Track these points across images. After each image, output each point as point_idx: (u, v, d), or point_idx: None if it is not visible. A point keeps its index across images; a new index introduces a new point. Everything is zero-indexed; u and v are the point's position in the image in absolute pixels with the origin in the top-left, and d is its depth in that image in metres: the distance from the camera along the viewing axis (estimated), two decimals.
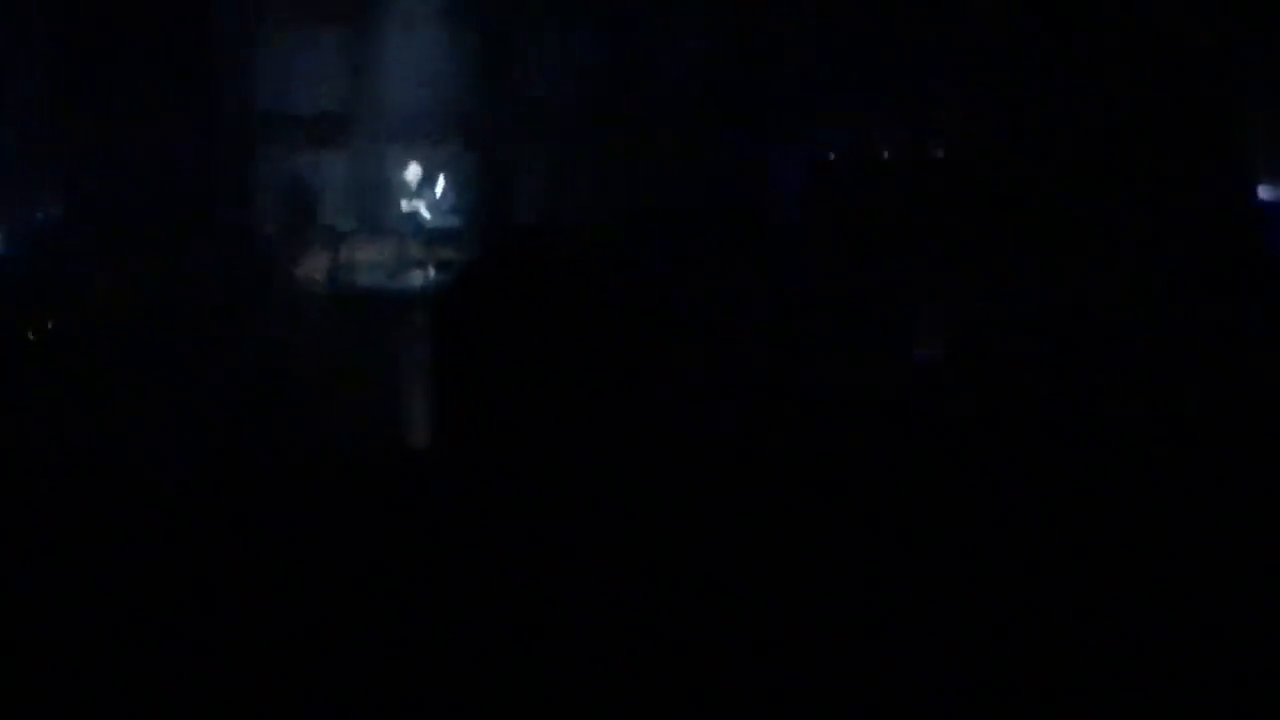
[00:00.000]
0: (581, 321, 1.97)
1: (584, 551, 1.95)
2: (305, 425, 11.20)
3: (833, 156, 18.66)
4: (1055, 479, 8.33)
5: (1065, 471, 8.62)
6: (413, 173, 17.67)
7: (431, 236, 17.52)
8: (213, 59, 18.92)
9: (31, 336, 14.24)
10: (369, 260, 17.68)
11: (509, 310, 1.97)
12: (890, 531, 5.83)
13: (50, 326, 14.59)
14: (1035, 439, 9.70)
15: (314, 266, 17.73)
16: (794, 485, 7.66)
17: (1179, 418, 10.16)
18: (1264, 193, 15.81)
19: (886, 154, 18.54)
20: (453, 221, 17.80)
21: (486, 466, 1.99)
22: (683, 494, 2.01)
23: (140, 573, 4.50)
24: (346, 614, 2.20)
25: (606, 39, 19.78)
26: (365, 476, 8.48)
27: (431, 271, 17.44)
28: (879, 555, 5.40)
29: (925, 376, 11.85)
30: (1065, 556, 5.49)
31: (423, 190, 17.56)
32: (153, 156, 18.17)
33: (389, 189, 17.68)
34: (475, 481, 2.00)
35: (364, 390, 12.94)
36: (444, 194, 17.69)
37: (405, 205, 17.44)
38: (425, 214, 17.48)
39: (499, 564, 1.95)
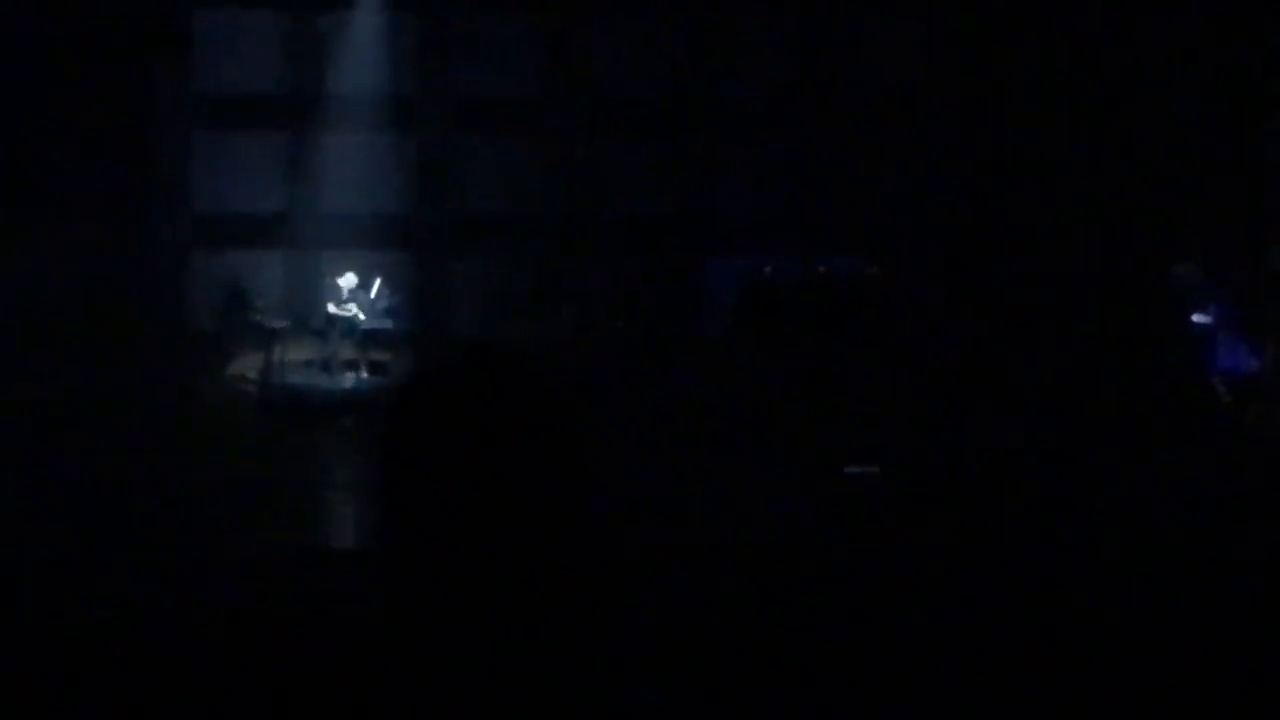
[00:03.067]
0: (515, 436, 1.98)
1: (518, 665, 1.94)
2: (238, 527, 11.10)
3: (767, 270, 18.81)
4: (987, 590, 8.37)
5: (996, 584, 8.65)
6: (348, 275, 17.63)
7: (364, 338, 17.47)
8: (149, 161, 18.90)
9: None
10: (302, 359, 17.59)
11: (447, 424, 1.98)
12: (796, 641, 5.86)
13: None
14: (971, 551, 9.74)
15: (247, 365, 17.62)
16: (727, 590, 7.66)
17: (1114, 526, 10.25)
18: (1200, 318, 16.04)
19: (821, 269, 18.72)
20: (386, 324, 17.77)
21: (420, 575, 1.98)
22: (618, 605, 2.02)
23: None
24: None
25: (543, 152, 19.94)
26: (299, 579, 8.40)
27: (364, 372, 17.35)
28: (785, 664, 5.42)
29: (858, 490, 11.89)
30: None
31: (356, 292, 17.51)
32: (85, 255, 18.05)
33: (323, 290, 17.65)
34: (407, 589, 1.99)
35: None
36: (378, 296, 17.67)
37: (338, 307, 17.37)
38: (360, 315, 17.42)
39: (432, 675, 1.94)
